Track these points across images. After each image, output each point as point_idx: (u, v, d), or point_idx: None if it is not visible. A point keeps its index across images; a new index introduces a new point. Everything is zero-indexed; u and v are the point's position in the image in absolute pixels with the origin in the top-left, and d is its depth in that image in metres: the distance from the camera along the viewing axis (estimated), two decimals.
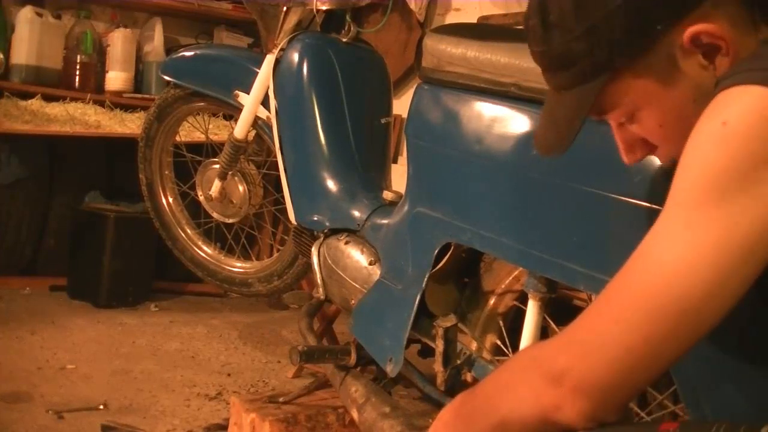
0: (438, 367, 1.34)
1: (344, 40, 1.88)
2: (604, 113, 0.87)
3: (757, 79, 0.71)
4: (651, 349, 0.72)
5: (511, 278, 1.36)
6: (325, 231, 1.73)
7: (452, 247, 1.38)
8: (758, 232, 0.69)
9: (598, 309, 0.77)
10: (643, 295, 0.72)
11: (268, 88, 1.85)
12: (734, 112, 0.71)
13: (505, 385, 0.83)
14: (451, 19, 3.25)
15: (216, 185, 2.06)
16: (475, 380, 1.37)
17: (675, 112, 0.82)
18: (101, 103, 3.22)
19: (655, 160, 1.01)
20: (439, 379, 1.35)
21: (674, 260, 0.71)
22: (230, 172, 2.04)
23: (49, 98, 3.13)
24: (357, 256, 1.62)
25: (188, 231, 2.30)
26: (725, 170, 0.70)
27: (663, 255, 0.72)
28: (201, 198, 2.13)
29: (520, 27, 3.08)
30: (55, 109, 3.08)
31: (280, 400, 1.70)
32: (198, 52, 2.22)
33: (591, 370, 0.74)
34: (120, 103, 3.28)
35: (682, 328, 0.71)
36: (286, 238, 2.23)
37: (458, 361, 1.35)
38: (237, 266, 2.20)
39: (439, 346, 1.33)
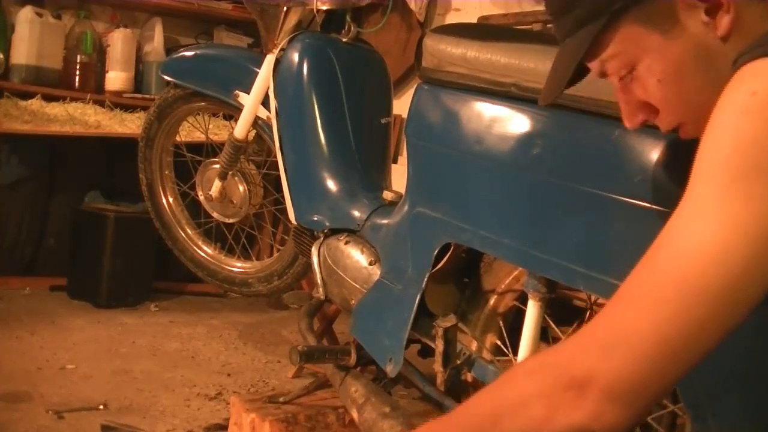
0: (438, 367, 1.34)
1: (344, 40, 1.88)
2: (605, 63, 0.87)
3: None
4: (688, 339, 0.67)
5: (511, 278, 1.36)
6: (325, 231, 1.73)
7: (452, 247, 1.38)
8: None
9: (621, 303, 0.71)
10: (675, 282, 0.67)
11: (268, 88, 1.85)
12: (764, 82, 0.68)
13: (512, 400, 0.74)
14: (451, 19, 3.26)
15: (216, 185, 2.06)
16: (475, 380, 1.37)
17: (674, 67, 0.82)
18: (101, 103, 3.22)
19: (655, 161, 1.02)
20: (439, 379, 1.35)
21: (709, 240, 0.66)
22: (230, 172, 2.04)
23: (49, 98, 3.13)
24: (357, 256, 1.62)
25: (188, 231, 2.29)
26: (758, 141, 0.66)
27: (695, 235, 0.67)
28: (201, 198, 2.13)
29: (520, 27, 3.09)
30: (55, 109, 3.08)
31: (280, 400, 1.70)
32: (198, 52, 2.22)
33: (621, 371, 0.68)
34: (120, 103, 3.28)
35: (721, 311, 0.66)
36: (286, 238, 2.23)
37: (458, 361, 1.35)
38: (237, 266, 2.20)
39: (439, 346, 1.33)
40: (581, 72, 0.92)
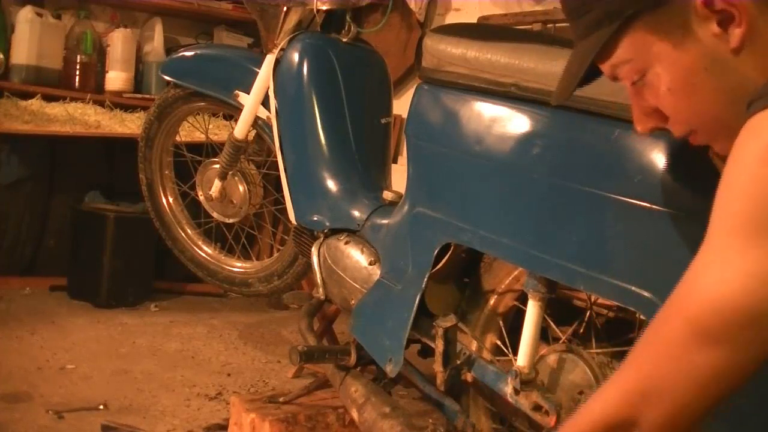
0: (438, 367, 1.34)
1: (344, 40, 1.88)
2: (616, 68, 0.87)
3: None
4: (717, 381, 0.72)
5: (511, 278, 1.36)
6: (325, 231, 1.73)
7: (452, 247, 1.38)
8: None
9: (653, 349, 0.76)
10: (702, 330, 0.71)
11: (268, 88, 1.85)
12: None
13: None
14: (451, 19, 3.26)
15: (216, 185, 2.06)
16: (475, 380, 1.37)
17: (684, 77, 0.82)
18: (101, 103, 3.22)
19: (655, 160, 1.02)
20: (439, 379, 1.35)
21: (731, 289, 0.69)
22: (230, 172, 2.04)
23: (49, 98, 3.13)
24: (357, 256, 1.62)
25: (188, 231, 2.30)
26: None
27: (718, 285, 0.70)
28: (201, 198, 2.13)
29: (520, 27, 3.09)
30: (55, 109, 3.08)
31: (280, 400, 1.70)
32: (198, 52, 2.22)
33: (661, 416, 0.74)
34: (120, 103, 3.28)
35: (746, 353, 0.70)
36: (286, 238, 2.23)
37: (458, 361, 1.35)
38: (237, 266, 2.20)
39: (439, 346, 1.33)
40: (595, 73, 0.92)
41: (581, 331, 1.26)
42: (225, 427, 1.84)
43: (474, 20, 3.04)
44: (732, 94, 0.80)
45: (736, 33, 0.78)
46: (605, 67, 0.88)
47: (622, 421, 0.76)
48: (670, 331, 0.74)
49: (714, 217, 0.73)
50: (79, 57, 3.29)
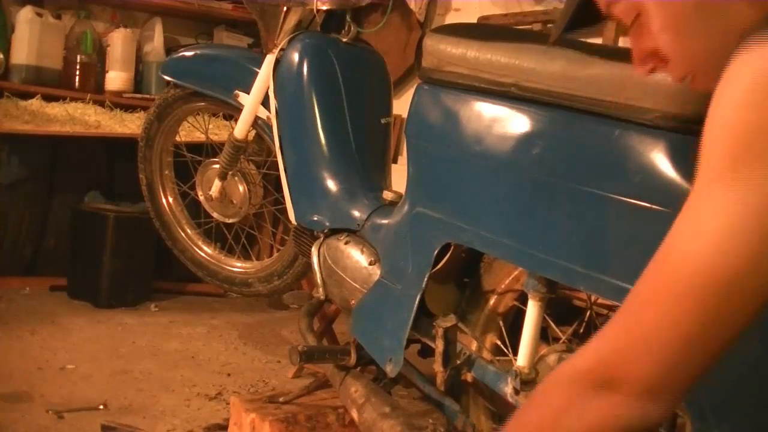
0: (438, 367, 1.34)
1: (344, 40, 1.88)
2: (610, 6, 0.85)
3: None
4: (707, 332, 0.67)
5: (511, 278, 1.36)
6: (325, 231, 1.73)
7: (452, 247, 1.38)
8: None
9: (638, 303, 0.72)
10: (686, 278, 0.67)
11: (268, 88, 1.85)
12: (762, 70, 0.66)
13: (547, 417, 0.75)
14: (451, 19, 3.26)
15: (216, 185, 2.06)
16: (475, 380, 1.37)
17: (675, 16, 0.80)
18: (101, 103, 3.22)
19: (655, 160, 1.02)
20: (439, 379, 1.35)
21: (715, 230, 0.66)
22: (230, 172, 2.04)
23: (49, 98, 3.13)
24: (357, 256, 1.62)
25: (188, 231, 2.30)
26: (758, 129, 0.64)
27: (702, 227, 0.67)
28: (201, 198, 2.13)
29: (520, 27, 3.08)
30: (55, 109, 3.09)
31: (280, 400, 1.70)
32: (198, 52, 2.22)
33: (647, 370, 0.69)
34: (120, 103, 3.28)
35: (734, 301, 0.66)
36: (286, 238, 2.22)
37: (458, 361, 1.35)
38: (237, 266, 2.21)
39: (439, 346, 1.33)
40: (597, 17, 0.90)
41: (581, 331, 1.26)
42: (225, 427, 1.84)
43: (474, 20, 3.04)
44: (726, 35, 0.77)
45: None
46: (601, 5, 0.87)
47: (606, 375, 0.71)
48: (657, 282, 0.70)
49: (699, 165, 0.69)
50: (79, 57, 3.29)
